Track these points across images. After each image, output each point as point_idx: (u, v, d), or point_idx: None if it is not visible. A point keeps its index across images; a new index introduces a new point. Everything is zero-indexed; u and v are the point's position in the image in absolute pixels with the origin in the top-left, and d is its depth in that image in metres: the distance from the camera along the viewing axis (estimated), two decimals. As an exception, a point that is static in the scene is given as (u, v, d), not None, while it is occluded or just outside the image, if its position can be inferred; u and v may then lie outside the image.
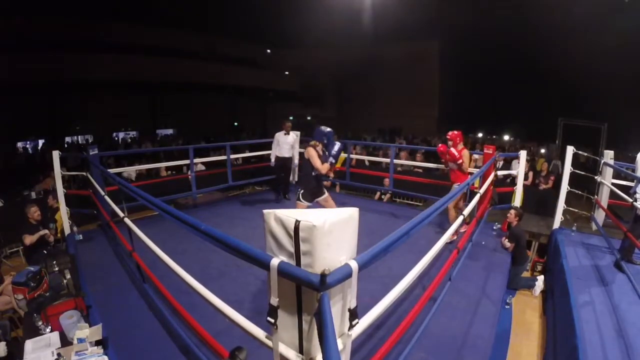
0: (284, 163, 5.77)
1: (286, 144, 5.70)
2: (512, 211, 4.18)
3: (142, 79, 13.53)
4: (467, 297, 3.03)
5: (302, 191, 3.64)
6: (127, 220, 2.79)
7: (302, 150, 6.85)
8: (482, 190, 3.74)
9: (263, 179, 6.74)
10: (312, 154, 3.56)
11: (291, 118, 19.75)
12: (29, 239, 3.95)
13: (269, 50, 19.12)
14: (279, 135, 5.69)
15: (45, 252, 3.85)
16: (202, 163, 6.65)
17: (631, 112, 10.17)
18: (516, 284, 4.17)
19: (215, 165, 6.81)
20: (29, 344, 2.20)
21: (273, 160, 5.71)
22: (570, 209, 4.78)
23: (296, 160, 5.86)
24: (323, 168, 3.54)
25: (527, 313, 3.94)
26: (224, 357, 1.84)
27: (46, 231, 4.10)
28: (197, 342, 2.20)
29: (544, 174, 6.59)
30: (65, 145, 12.81)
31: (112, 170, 4.71)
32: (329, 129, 3.67)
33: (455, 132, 4.28)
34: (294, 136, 5.75)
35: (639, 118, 10.08)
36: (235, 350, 1.79)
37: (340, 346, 1.18)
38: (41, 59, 10.89)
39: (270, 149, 6.97)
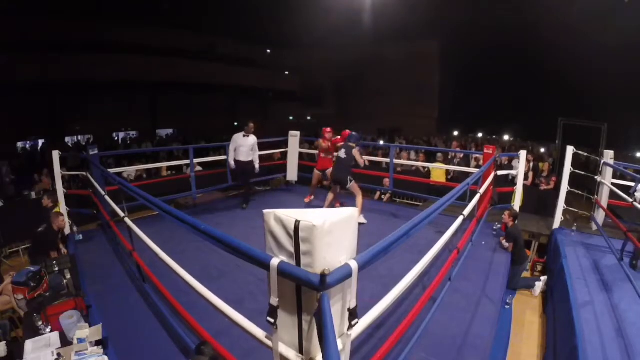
0: (243, 168, 5.22)
1: (245, 146, 5.16)
2: (507, 212, 4.20)
3: (142, 79, 13.54)
4: (467, 297, 3.03)
5: (350, 177, 4.62)
6: (127, 220, 2.79)
7: (310, 150, 6.87)
8: (482, 190, 3.75)
9: (263, 179, 6.74)
10: (358, 153, 4.63)
11: (291, 118, 19.81)
12: (54, 254, 3.72)
13: (269, 50, 19.13)
14: (238, 137, 5.15)
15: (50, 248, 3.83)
16: (199, 164, 6.59)
17: (631, 112, 10.17)
18: (516, 284, 4.17)
19: (215, 165, 6.80)
20: (29, 344, 2.21)
21: (232, 162, 5.18)
22: (570, 209, 4.77)
23: (257, 165, 5.37)
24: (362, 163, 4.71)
25: (527, 313, 3.94)
26: (222, 354, 1.84)
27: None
28: (197, 342, 2.19)
29: (545, 174, 6.57)
30: (61, 145, 12.80)
31: (112, 170, 4.71)
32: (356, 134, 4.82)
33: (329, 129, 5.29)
34: (254, 138, 5.24)
35: (639, 118, 10.09)
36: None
37: (340, 346, 1.18)
38: (41, 59, 10.90)
39: (270, 149, 6.96)
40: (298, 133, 6.24)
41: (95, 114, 13.51)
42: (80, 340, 2.12)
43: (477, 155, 6.42)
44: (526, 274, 4.77)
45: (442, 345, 2.43)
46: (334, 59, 17.06)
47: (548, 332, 3.45)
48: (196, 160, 5.93)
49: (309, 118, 20.66)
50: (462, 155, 7.42)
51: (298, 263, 1.16)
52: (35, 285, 2.80)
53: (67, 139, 13.68)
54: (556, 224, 4.77)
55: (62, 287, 2.90)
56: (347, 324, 1.22)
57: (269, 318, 1.22)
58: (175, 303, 2.34)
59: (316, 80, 19.39)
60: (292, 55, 18.51)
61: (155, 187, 5.72)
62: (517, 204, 4.75)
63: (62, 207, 4.34)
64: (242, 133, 5.16)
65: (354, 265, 1.15)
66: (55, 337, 2.30)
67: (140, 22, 13.32)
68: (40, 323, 2.39)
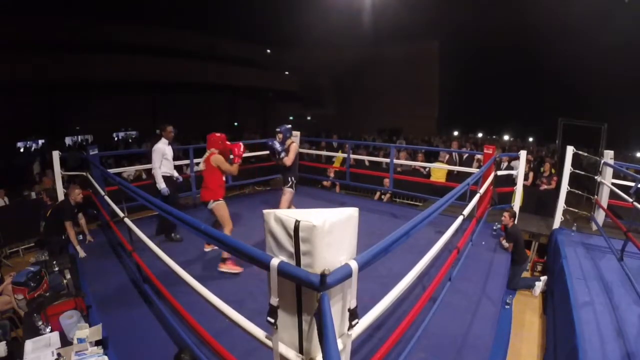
0: (175, 185, 4.24)
1: (171, 156, 4.20)
2: (506, 213, 4.21)
3: (142, 79, 13.55)
4: (467, 297, 3.03)
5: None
6: (127, 220, 2.79)
7: (311, 151, 6.89)
8: (482, 190, 3.75)
9: (263, 179, 6.74)
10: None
11: (291, 118, 19.83)
12: (70, 228, 3.82)
13: (269, 50, 19.14)
14: (163, 147, 4.07)
15: (63, 237, 3.89)
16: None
17: (631, 112, 10.19)
18: (516, 284, 4.17)
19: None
20: (29, 344, 2.20)
21: (163, 186, 3.97)
22: (570, 209, 4.77)
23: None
24: None
25: (527, 313, 3.94)
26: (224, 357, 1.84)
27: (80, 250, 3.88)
28: (197, 342, 2.20)
29: (546, 174, 6.56)
30: (61, 145, 12.80)
31: (112, 170, 4.71)
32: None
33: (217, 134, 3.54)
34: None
35: (639, 118, 10.10)
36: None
37: (340, 346, 1.18)
38: (41, 59, 10.91)
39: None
40: (298, 133, 6.23)
41: (96, 114, 13.53)
42: (80, 340, 2.11)
43: (479, 156, 6.41)
44: (526, 274, 4.77)
45: (442, 345, 2.42)
46: (334, 59, 17.07)
47: (548, 332, 3.45)
48: (196, 160, 5.92)
49: (309, 118, 20.68)
50: (465, 155, 7.40)
51: (298, 263, 1.16)
52: (35, 285, 2.81)
53: (67, 139, 13.70)
54: (556, 224, 4.76)
55: (62, 287, 2.90)
56: (347, 324, 1.22)
57: (269, 318, 1.22)
58: (175, 303, 2.34)
59: (316, 80, 19.40)
60: (292, 55, 18.52)
61: (155, 187, 5.71)
62: (517, 204, 4.75)
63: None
64: (165, 140, 4.12)
65: (354, 265, 1.15)
66: (55, 337, 2.30)
67: (140, 22, 13.34)
68: (40, 323, 2.39)
